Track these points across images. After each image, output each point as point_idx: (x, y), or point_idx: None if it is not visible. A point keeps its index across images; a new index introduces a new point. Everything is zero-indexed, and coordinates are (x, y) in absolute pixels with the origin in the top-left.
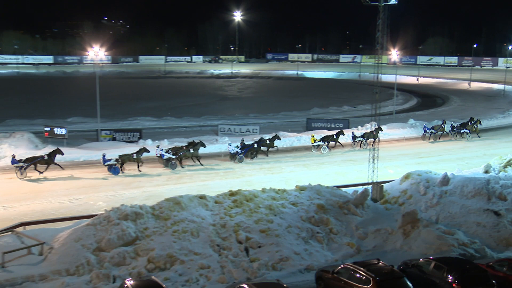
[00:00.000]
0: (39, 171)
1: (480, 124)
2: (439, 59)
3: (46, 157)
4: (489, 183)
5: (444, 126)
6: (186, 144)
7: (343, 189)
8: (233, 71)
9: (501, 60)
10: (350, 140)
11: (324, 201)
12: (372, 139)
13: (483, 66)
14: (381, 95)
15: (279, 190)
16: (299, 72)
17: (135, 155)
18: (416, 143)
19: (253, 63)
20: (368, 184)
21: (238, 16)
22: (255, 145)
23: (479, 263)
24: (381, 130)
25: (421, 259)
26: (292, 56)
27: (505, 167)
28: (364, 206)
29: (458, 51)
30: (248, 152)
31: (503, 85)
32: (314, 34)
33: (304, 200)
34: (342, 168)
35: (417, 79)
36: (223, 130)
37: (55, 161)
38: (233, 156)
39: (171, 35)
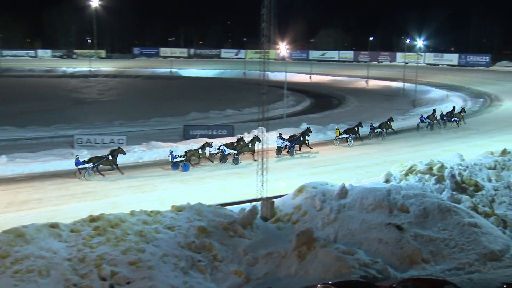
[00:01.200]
0: (101, 174)
1: (392, 121)
2: (333, 54)
3: (110, 157)
4: (390, 193)
5: (435, 115)
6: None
7: (228, 207)
8: (92, 69)
9: (399, 55)
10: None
11: (206, 222)
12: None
13: (381, 62)
14: (269, 96)
15: (151, 212)
16: (173, 70)
17: (200, 150)
18: (312, 151)
19: (116, 59)
20: (256, 200)
21: (95, 1)
22: (301, 138)
23: (381, 285)
24: (393, 121)
25: (318, 286)
26: (164, 51)
27: (406, 175)
28: (253, 227)
29: (353, 45)
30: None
31: (402, 83)
32: (190, 25)
33: (182, 222)
34: (227, 183)
35: (310, 77)
36: (80, 142)
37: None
38: (280, 150)
39: (6, 22)
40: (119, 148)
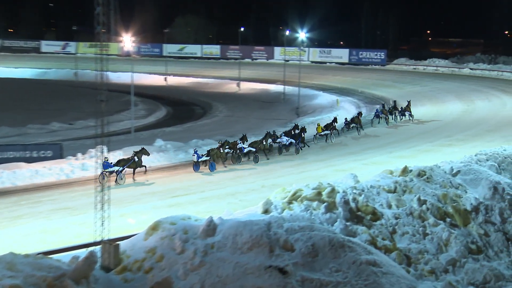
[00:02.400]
0: (133, 179)
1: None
2: (195, 49)
3: (136, 159)
4: (271, 227)
5: (387, 109)
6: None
7: (55, 256)
8: None
9: (277, 51)
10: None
11: (22, 279)
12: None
13: (255, 59)
14: (111, 104)
15: None
16: None
17: (221, 149)
18: (168, 175)
19: None
20: (95, 244)
21: None
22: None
23: None
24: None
25: None
26: None
27: (290, 202)
28: (89, 281)
29: (220, 38)
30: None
31: (282, 86)
32: None
33: None
34: (52, 222)
35: (165, 79)
36: None
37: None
38: (283, 148)
39: None
40: (143, 148)
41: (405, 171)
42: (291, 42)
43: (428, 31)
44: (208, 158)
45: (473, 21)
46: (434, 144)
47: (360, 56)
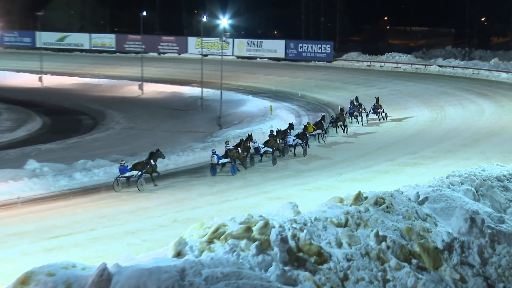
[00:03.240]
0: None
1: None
2: (81, 39)
3: (152, 162)
4: (185, 275)
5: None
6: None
7: None
8: None
9: (192, 42)
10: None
11: None
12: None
13: (163, 53)
14: None
15: None
16: None
17: (240, 149)
18: (46, 208)
19: None
20: None
21: None
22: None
23: None
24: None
25: None
26: None
27: (210, 242)
28: None
29: (115, 24)
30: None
31: (199, 88)
32: None
33: None
34: None
35: (40, 78)
36: None
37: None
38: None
39: None
40: (158, 150)
41: (358, 198)
42: (211, 31)
43: (385, 18)
44: (228, 160)
45: (441, 5)
46: (395, 163)
47: (300, 50)
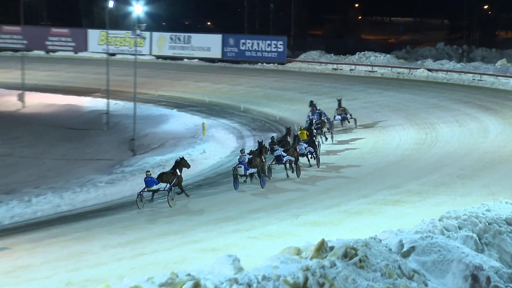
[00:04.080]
0: (180, 191)
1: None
2: None
3: (178, 173)
4: None
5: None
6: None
7: None
8: None
9: (94, 36)
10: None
11: None
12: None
13: (54, 51)
14: None
15: None
16: None
17: (263, 158)
18: None
19: None
20: None
21: None
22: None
23: None
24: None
25: None
26: None
27: None
28: None
29: None
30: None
31: (104, 100)
32: None
33: None
34: None
35: None
36: None
37: None
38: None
39: None
40: (182, 159)
41: (321, 249)
42: (119, 21)
43: (356, 5)
44: (255, 170)
45: None
46: (371, 201)
47: (243, 48)
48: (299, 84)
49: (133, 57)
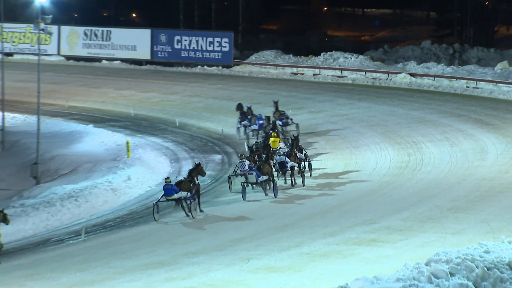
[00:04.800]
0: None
1: None
2: None
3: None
4: None
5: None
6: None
7: None
8: None
9: None
10: None
11: None
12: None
13: None
14: None
15: None
16: None
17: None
18: None
19: None
20: None
21: None
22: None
23: None
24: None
25: None
26: None
27: None
28: None
29: None
30: None
31: None
32: None
33: None
34: None
35: None
36: None
37: None
38: None
39: None
40: (199, 164)
41: None
42: (17, 12)
43: None
44: (266, 177)
45: None
46: (340, 240)
47: (177, 47)
48: (249, 92)
49: (36, 57)
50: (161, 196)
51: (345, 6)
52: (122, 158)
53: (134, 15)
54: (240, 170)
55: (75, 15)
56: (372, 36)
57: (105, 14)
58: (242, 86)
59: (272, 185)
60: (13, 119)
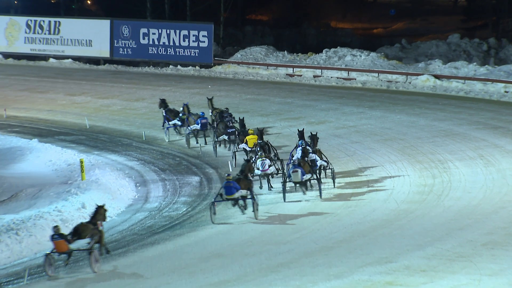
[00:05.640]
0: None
1: None
2: None
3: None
4: None
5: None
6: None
7: None
8: None
9: None
10: None
11: None
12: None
13: None
14: None
15: None
16: None
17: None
18: None
19: None
20: None
21: None
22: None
23: None
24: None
25: None
26: None
27: None
28: None
29: None
30: None
31: None
32: None
33: None
34: None
35: None
36: None
37: None
38: None
39: None
40: (249, 160)
41: None
42: None
43: None
44: (309, 176)
45: None
46: (348, 284)
47: (144, 42)
48: (233, 98)
49: None
50: (217, 195)
51: None
52: (74, 181)
53: (89, 2)
54: (261, 170)
55: (15, 1)
56: (386, 29)
57: (52, 1)
58: (225, 90)
59: (318, 184)
60: None
